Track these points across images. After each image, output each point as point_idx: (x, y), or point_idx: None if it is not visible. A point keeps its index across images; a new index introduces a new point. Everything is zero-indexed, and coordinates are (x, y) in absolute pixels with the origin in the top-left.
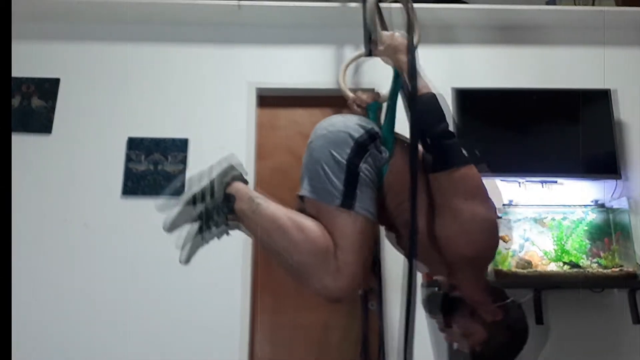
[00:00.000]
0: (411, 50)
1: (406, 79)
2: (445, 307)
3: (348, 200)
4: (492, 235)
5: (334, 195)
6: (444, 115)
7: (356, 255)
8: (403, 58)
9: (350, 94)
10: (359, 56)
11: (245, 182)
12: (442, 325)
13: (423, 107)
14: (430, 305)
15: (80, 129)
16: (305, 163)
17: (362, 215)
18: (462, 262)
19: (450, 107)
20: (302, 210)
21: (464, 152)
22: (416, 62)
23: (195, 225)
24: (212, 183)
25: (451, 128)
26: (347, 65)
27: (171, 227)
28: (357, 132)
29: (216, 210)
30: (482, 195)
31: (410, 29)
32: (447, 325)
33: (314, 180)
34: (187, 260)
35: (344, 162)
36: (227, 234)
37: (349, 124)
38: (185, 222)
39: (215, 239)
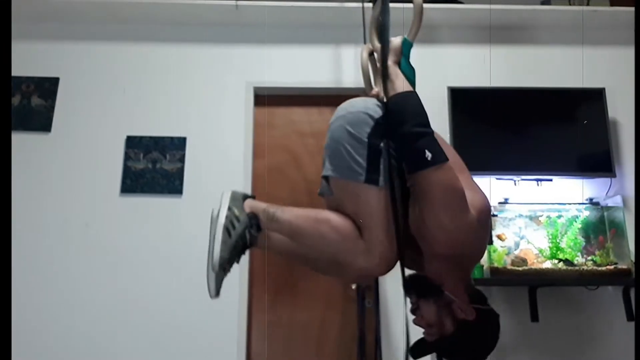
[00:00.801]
0: (384, 52)
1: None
2: (422, 291)
3: (372, 176)
4: (468, 237)
5: (358, 172)
6: (409, 116)
7: (384, 231)
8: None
9: (374, 89)
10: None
11: (253, 197)
12: (415, 307)
13: (392, 107)
14: (408, 285)
15: (80, 128)
16: (326, 145)
17: (388, 190)
18: (438, 261)
19: (446, 106)
20: (323, 194)
21: (428, 154)
22: (388, 64)
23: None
24: (230, 210)
25: (421, 128)
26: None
27: (222, 264)
28: (377, 113)
29: (247, 230)
30: (453, 200)
31: (384, 30)
32: (419, 308)
33: (336, 159)
34: (217, 292)
35: (365, 139)
36: (244, 253)
37: (369, 105)
38: (230, 254)
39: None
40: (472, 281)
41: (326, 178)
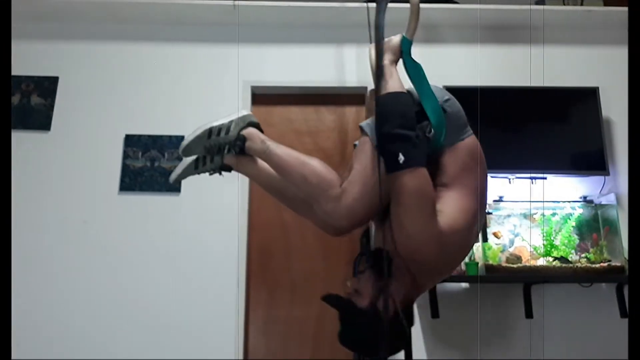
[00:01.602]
0: (378, 51)
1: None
2: (375, 264)
3: (374, 135)
4: (428, 248)
5: (371, 127)
6: (393, 117)
7: (363, 190)
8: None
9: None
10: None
11: (261, 130)
12: (362, 270)
13: (379, 106)
14: (366, 253)
15: (79, 127)
16: None
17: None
18: (399, 257)
19: None
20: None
21: (401, 157)
22: (383, 62)
23: (195, 156)
24: (230, 123)
25: (402, 130)
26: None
27: (185, 151)
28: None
29: (227, 146)
30: (417, 207)
31: (378, 29)
32: (363, 273)
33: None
34: (176, 180)
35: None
36: (220, 174)
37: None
38: (197, 150)
39: (207, 174)
40: (415, 295)
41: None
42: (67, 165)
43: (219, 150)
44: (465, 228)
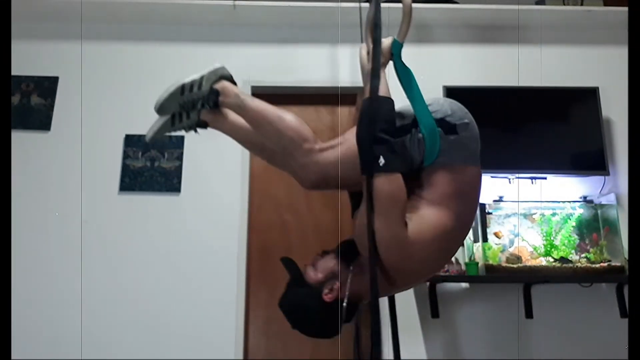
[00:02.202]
0: (375, 51)
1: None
2: (342, 250)
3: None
4: (391, 252)
5: None
6: (370, 121)
7: (341, 154)
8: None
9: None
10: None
11: (234, 83)
12: (327, 253)
13: (365, 108)
14: (346, 246)
15: (79, 126)
16: None
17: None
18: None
19: None
20: None
21: (382, 160)
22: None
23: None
24: (201, 78)
25: (383, 135)
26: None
27: (159, 109)
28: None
29: (201, 101)
30: (386, 210)
31: (377, 27)
32: (328, 255)
33: None
34: (151, 139)
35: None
36: (195, 130)
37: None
38: (171, 108)
39: (183, 131)
40: (377, 296)
41: None
42: (67, 165)
43: (194, 106)
44: (433, 245)
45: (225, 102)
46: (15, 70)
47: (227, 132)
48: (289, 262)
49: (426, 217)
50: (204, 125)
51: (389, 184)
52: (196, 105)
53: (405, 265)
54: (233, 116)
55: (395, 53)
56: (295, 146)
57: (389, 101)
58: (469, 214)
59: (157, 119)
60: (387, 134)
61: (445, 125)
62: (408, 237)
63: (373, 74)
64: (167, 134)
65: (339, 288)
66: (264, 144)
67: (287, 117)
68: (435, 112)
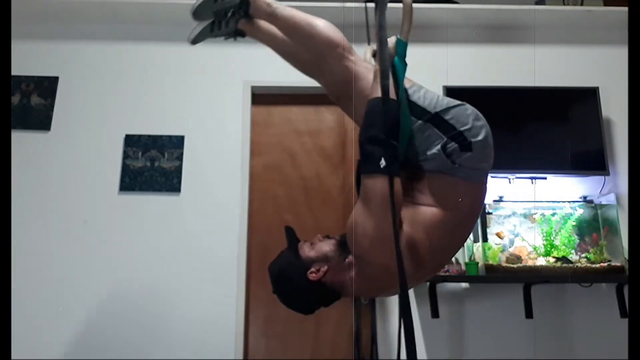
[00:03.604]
0: (383, 52)
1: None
2: (341, 238)
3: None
4: (376, 251)
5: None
6: (374, 121)
7: (361, 69)
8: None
9: None
10: None
11: None
12: (326, 236)
13: (371, 108)
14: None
15: (79, 126)
16: None
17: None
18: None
19: None
20: None
21: (383, 162)
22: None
23: (209, 20)
24: None
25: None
26: None
27: (194, 15)
28: None
29: (232, 10)
30: (372, 210)
31: (380, 29)
32: (327, 239)
33: None
34: (194, 41)
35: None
36: (235, 38)
37: None
38: (206, 14)
39: (223, 38)
40: (351, 291)
41: None
42: (67, 165)
43: (226, 14)
44: (421, 249)
45: (256, 10)
46: (15, 70)
47: (264, 41)
48: (291, 231)
49: (419, 221)
50: (242, 34)
51: (387, 187)
52: (228, 13)
53: (391, 266)
54: (268, 26)
55: (400, 53)
56: (328, 50)
57: (395, 103)
58: (461, 229)
59: (196, 24)
60: (392, 137)
61: (462, 140)
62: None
63: (383, 75)
64: (208, 38)
65: (326, 272)
66: (298, 53)
67: (320, 22)
68: (454, 119)
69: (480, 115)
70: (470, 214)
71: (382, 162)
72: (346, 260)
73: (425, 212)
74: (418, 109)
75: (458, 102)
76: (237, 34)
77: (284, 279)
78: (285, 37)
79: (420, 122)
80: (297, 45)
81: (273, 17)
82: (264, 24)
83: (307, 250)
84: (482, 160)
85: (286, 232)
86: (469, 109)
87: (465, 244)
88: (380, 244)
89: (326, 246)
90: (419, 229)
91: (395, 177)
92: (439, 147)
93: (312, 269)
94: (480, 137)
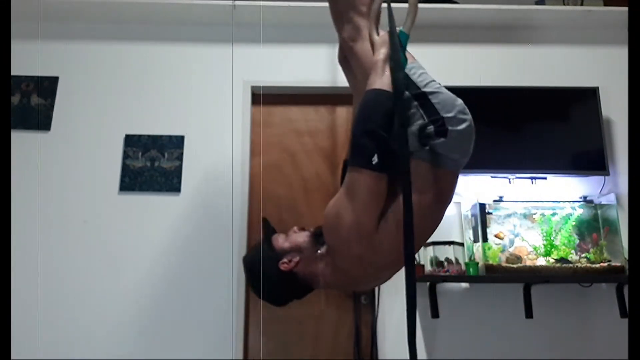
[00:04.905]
0: (394, 44)
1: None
2: (317, 230)
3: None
4: (355, 244)
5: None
6: (377, 115)
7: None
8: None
9: None
10: None
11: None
12: (302, 229)
13: (367, 100)
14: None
15: (79, 127)
16: None
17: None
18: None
19: None
20: None
21: (375, 158)
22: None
23: None
24: None
25: (381, 131)
26: None
27: None
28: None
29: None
30: (355, 204)
31: (391, 21)
32: (302, 230)
33: None
34: None
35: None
36: None
37: None
38: None
39: None
40: (321, 283)
41: None
42: (67, 165)
43: None
44: (395, 236)
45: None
46: (15, 70)
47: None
48: (266, 223)
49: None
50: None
51: (375, 184)
52: None
53: (365, 260)
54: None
55: (402, 45)
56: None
57: (391, 97)
58: (428, 214)
59: None
60: (385, 131)
61: (440, 125)
62: (378, 235)
63: (395, 68)
64: None
65: (298, 262)
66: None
67: (381, 80)
68: (440, 104)
69: (468, 111)
70: (438, 201)
71: (375, 159)
72: (319, 252)
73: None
74: (410, 82)
75: (451, 93)
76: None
77: (257, 270)
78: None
79: (407, 94)
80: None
81: (349, 43)
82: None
83: (280, 241)
84: (454, 150)
85: (263, 224)
86: (459, 101)
87: (465, 244)
88: (358, 238)
89: (300, 238)
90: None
91: (385, 175)
92: (415, 127)
93: (284, 260)
94: (459, 128)
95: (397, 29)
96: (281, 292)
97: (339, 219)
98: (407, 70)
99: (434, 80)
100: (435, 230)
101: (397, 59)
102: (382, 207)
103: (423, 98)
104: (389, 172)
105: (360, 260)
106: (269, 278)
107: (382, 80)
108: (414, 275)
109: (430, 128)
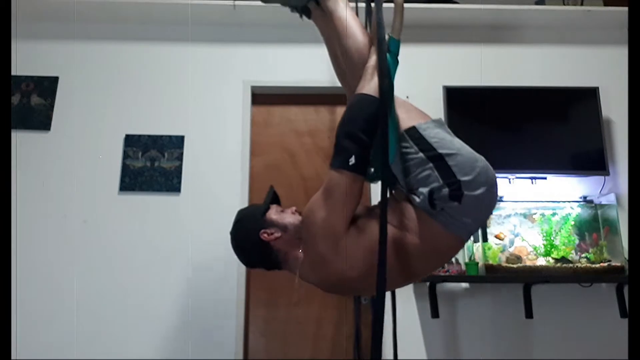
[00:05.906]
0: (382, 49)
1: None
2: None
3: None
4: (315, 239)
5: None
6: (361, 119)
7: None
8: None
9: None
10: None
11: None
12: (294, 211)
13: (353, 104)
14: None
15: (79, 126)
16: None
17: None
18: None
19: (442, 105)
20: None
21: (352, 160)
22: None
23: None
24: None
25: (363, 135)
26: None
27: None
28: None
29: None
30: (328, 202)
31: (379, 26)
32: (290, 212)
33: None
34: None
35: None
36: (301, 15)
37: None
38: None
39: (295, 11)
40: (293, 267)
41: None
42: (67, 165)
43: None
44: (362, 258)
45: (323, 3)
46: (15, 70)
47: (321, 31)
48: (272, 192)
49: (373, 234)
50: (308, 13)
51: (350, 185)
52: None
53: (329, 260)
54: (330, 21)
55: (393, 51)
56: (354, 69)
57: (377, 103)
58: (419, 264)
59: None
60: (367, 136)
61: (456, 189)
62: (343, 239)
63: (381, 74)
64: (275, 3)
65: (277, 238)
66: (338, 58)
67: (360, 39)
68: (457, 166)
69: (491, 173)
70: (435, 262)
71: (352, 160)
72: (299, 239)
73: (395, 233)
74: (426, 144)
75: (473, 152)
76: (304, 11)
77: (240, 225)
78: (338, 36)
79: (422, 155)
80: (339, 49)
81: (330, 13)
82: (325, 16)
83: (273, 213)
84: (467, 215)
85: (268, 191)
86: (480, 163)
87: (465, 246)
88: (325, 235)
89: (290, 218)
90: (367, 237)
91: (361, 178)
92: (427, 189)
93: (267, 230)
94: (475, 193)
95: (387, 35)
96: (252, 255)
97: (311, 214)
98: (421, 131)
99: (453, 139)
100: (418, 280)
101: (384, 67)
102: (355, 209)
103: (439, 160)
104: (365, 176)
105: (323, 259)
106: (246, 237)
107: (369, 86)
108: (383, 302)
109: (445, 190)
